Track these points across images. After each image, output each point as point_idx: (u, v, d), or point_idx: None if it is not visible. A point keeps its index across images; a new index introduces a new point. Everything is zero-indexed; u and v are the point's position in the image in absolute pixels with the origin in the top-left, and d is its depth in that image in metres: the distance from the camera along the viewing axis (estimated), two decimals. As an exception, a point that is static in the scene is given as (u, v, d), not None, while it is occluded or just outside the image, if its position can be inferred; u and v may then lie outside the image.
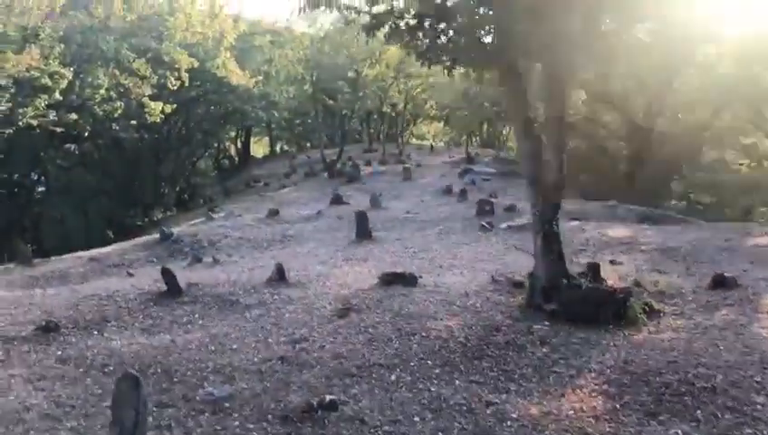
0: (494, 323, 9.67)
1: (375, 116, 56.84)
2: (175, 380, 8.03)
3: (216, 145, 47.88)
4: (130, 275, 15.17)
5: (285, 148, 67.15)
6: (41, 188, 32.01)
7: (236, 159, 59.21)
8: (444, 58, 10.75)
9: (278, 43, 42.48)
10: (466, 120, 55.08)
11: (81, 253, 20.03)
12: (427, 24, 10.37)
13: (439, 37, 10.56)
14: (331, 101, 49.09)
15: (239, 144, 60.10)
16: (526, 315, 10.06)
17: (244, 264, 15.33)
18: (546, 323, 9.75)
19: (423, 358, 8.47)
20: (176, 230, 21.31)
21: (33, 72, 21.37)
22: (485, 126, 59.75)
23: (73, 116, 23.89)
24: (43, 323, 10.17)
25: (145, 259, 18.40)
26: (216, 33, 34.31)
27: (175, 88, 27.68)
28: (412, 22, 10.32)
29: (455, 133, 67.15)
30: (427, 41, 10.52)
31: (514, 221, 18.56)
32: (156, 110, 26.64)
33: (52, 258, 19.68)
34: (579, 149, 41.71)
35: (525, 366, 8.42)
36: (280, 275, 12.55)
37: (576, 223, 18.37)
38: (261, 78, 38.95)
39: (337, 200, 25.56)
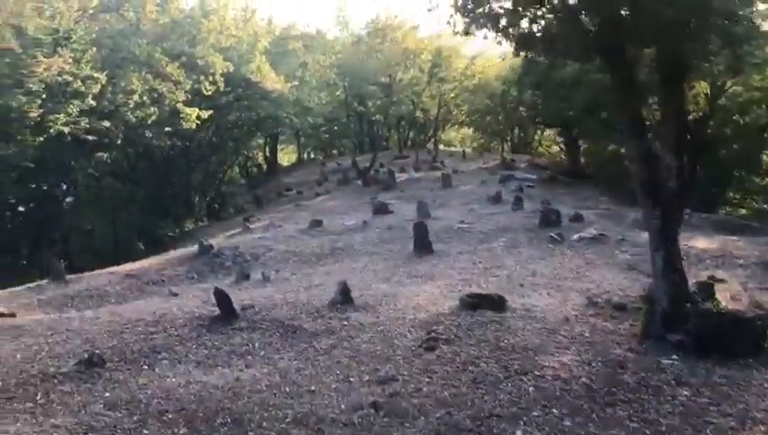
0: (614, 359, 8.17)
1: (403, 122, 55.44)
2: (250, 433, 6.63)
3: (244, 153, 46.62)
4: (174, 294, 13.84)
5: (312, 155, 65.99)
6: (69, 199, 30.95)
7: (264, 166, 58.04)
8: (541, 46, 9.31)
9: (311, 48, 41.25)
10: (499, 124, 53.73)
11: (115, 268, 18.79)
12: (523, 8, 8.95)
13: (536, 22, 9.12)
14: (362, 107, 47.99)
15: (267, 151, 59.03)
16: (648, 347, 8.56)
17: (297, 281, 13.93)
18: (674, 356, 8.23)
19: (546, 405, 6.99)
20: (214, 242, 20.00)
21: (65, 77, 20.26)
22: (517, 131, 58.28)
23: (106, 123, 22.75)
24: (86, 355, 8.86)
25: (185, 275, 17.08)
26: (250, 36, 33.13)
27: (209, 93, 26.45)
28: (508, 5, 8.90)
29: (484, 139, 65.76)
30: (524, 27, 9.08)
31: (585, 232, 17.00)
32: (191, 115, 25.41)
33: (86, 274, 18.48)
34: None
35: (669, 415, 6.91)
36: (344, 297, 11.13)
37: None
38: (295, 83, 37.65)
39: (381, 210, 24.11)
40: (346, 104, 44.34)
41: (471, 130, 63.86)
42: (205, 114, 26.29)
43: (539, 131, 59.25)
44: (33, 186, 24.67)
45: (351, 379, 7.97)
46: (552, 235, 16.74)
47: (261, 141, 55.30)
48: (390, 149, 55.89)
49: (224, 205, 40.89)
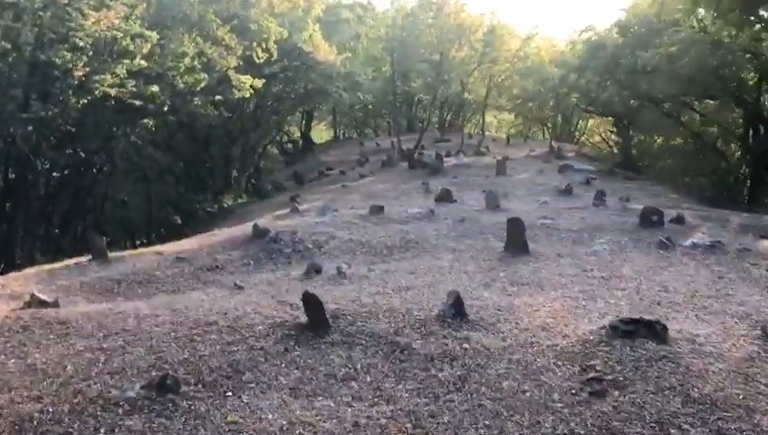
0: None
1: (446, 103, 53.05)
2: None
3: (286, 127, 44.69)
4: (238, 287, 11.97)
5: (344, 134, 63.71)
6: (106, 167, 29.26)
7: (300, 143, 56.09)
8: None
9: (363, 19, 39.04)
10: (544, 110, 51.62)
11: (161, 248, 17.06)
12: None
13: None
14: (407, 86, 45.84)
15: (302, 127, 57.06)
16: None
17: (379, 280, 12.00)
18: None
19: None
20: (268, 225, 18.14)
21: (114, 33, 18.37)
22: (560, 119, 55.97)
23: (154, 87, 20.89)
24: (155, 375, 7.04)
25: (239, 261, 15.22)
26: (304, 1, 30.96)
27: (261, 61, 24.44)
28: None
29: (523, 125, 63.45)
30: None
31: (696, 238, 14.88)
32: (246, 84, 23.44)
33: (127, 253, 16.79)
34: (685, 146, 37.78)
35: None
36: (457, 309, 9.20)
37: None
38: (348, 54, 35.48)
39: (444, 198, 22.10)
40: (393, 81, 42.22)
41: (513, 115, 61.59)
42: (259, 83, 24.31)
43: (582, 121, 57.17)
44: (71, 151, 22.93)
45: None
46: (662, 239, 14.63)
47: (297, 116, 53.46)
48: (428, 130, 53.78)
49: (261, 181, 39.10)
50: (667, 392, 6.70)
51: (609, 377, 7.08)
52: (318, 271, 12.80)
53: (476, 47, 44.01)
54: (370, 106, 55.79)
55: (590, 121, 55.01)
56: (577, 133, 58.37)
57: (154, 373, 7.17)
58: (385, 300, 10.20)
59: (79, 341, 8.42)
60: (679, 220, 16.73)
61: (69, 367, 7.47)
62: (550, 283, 11.48)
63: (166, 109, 22.93)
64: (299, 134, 55.87)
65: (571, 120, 56.27)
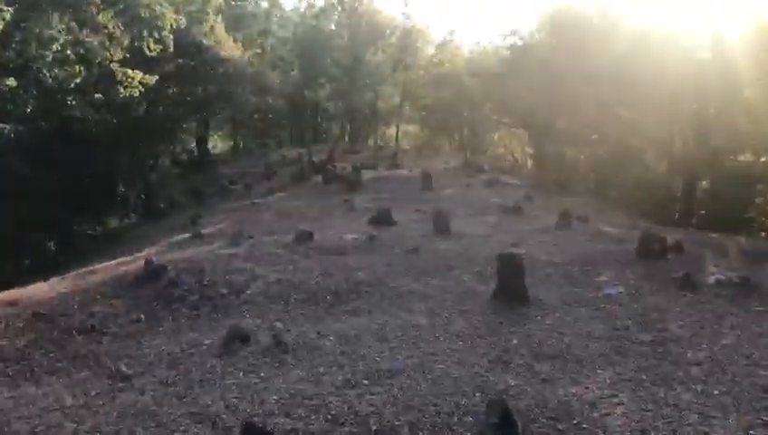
0: None
1: (353, 112, 49.56)
2: None
3: (181, 136, 39.59)
4: (123, 377, 7.83)
5: (243, 144, 58.34)
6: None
7: (196, 154, 50.61)
8: None
9: (270, 15, 34.82)
10: (458, 120, 49.63)
11: (14, 294, 12.48)
12: None
13: None
14: (312, 93, 42.05)
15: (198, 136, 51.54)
16: None
17: (338, 355, 8.18)
18: None
19: None
20: (163, 259, 13.90)
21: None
22: (465, 131, 53.93)
23: (10, 81, 16.03)
24: None
25: (126, 316, 10.96)
26: (202, -11, 26.50)
27: (154, 54, 19.93)
28: None
29: (426, 137, 61.18)
30: None
31: (717, 273, 11.96)
32: (135, 79, 18.83)
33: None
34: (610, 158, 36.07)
35: None
36: (505, 422, 5.57)
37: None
38: (257, 51, 31.12)
39: (383, 220, 18.50)
40: (301, 86, 38.26)
41: (419, 126, 59.12)
42: (151, 79, 19.73)
43: (491, 133, 55.56)
44: None
45: None
46: (678, 276, 11.58)
47: (192, 124, 48.23)
48: (328, 141, 49.86)
49: (153, 198, 34.00)
50: None
51: None
52: (244, 339, 8.81)
53: (391, 52, 40.81)
54: (270, 116, 51.35)
55: (496, 134, 53.66)
56: (483, 146, 56.61)
57: None
58: (367, 405, 6.44)
59: None
60: (678, 249, 13.83)
61: None
62: (586, 354, 8.04)
63: (30, 109, 18.00)
64: (194, 144, 50.57)
65: (479, 131, 54.26)
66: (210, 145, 56.15)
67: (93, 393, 7.09)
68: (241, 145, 55.92)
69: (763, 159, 26.61)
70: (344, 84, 38.58)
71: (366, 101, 41.88)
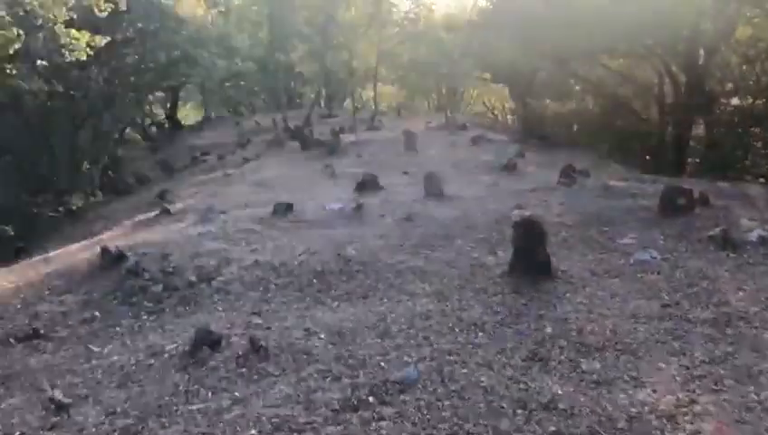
0: None
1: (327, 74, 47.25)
2: None
3: (147, 107, 37.29)
4: (58, 406, 6.16)
5: (213, 115, 55.77)
6: None
7: (166, 125, 48.30)
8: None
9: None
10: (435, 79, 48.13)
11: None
12: None
13: None
14: (284, 55, 39.84)
15: (167, 107, 49.15)
16: None
17: (332, 358, 6.59)
18: None
19: None
20: (125, 244, 12.19)
21: None
22: (444, 89, 52.20)
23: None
24: None
25: (78, 315, 9.35)
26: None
27: (105, 13, 17.82)
28: None
29: (406, 96, 59.36)
30: None
31: (755, 228, 10.47)
32: (81, 41, 16.74)
33: None
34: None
35: None
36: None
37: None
38: (221, 9, 28.80)
39: (369, 185, 16.87)
40: (272, 49, 36.01)
41: (396, 87, 57.20)
42: (101, 40, 17.62)
43: (469, 90, 54.06)
44: None
45: None
46: (713, 234, 10.10)
47: (161, 94, 45.86)
48: (302, 106, 47.69)
49: (120, 174, 31.98)
50: None
51: None
52: (214, 344, 7.14)
53: (364, 8, 38.70)
54: (243, 83, 48.99)
55: (475, 91, 52.16)
56: (462, 103, 54.98)
57: None
58: None
59: None
60: (704, 201, 12.34)
61: None
62: (638, 342, 6.50)
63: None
64: (164, 115, 48.23)
65: (457, 88, 52.48)
66: (181, 117, 53.85)
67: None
68: (213, 115, 53.57)
69: (759, 102, 25.25)
70: (317, 45, 36.41)
71: (341, 61, 39.75)
